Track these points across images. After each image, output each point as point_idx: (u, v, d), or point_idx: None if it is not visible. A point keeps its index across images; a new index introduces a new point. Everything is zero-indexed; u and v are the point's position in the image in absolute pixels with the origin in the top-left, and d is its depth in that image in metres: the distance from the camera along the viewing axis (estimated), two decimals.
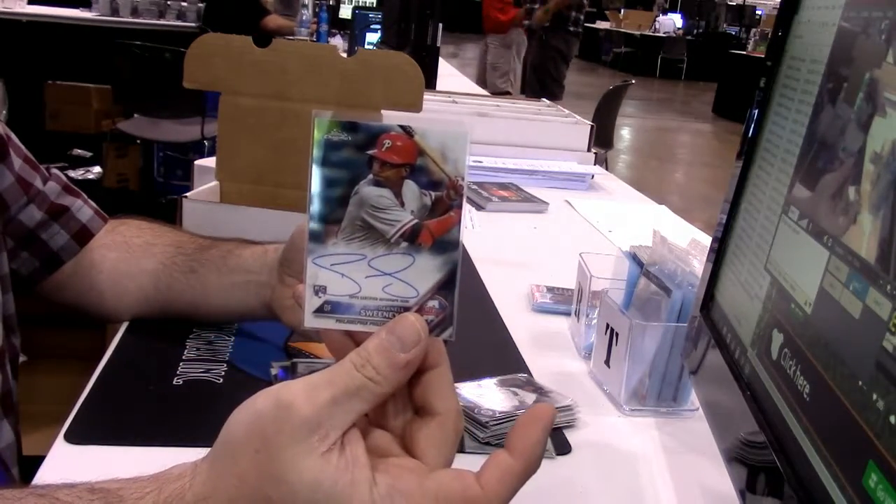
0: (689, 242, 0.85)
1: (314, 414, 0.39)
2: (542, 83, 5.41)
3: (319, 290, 0.42)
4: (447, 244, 0.42)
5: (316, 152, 0.41)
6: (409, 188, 0.42)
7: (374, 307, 0.43)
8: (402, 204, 0.42)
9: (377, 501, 0.39)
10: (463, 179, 0.42)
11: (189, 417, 0.72)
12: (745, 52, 11.80)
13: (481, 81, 5.62)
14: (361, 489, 0.39)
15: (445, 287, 0.43)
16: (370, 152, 0.41)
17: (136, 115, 4.16)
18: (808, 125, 0.53)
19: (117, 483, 0.42)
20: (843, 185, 0.45)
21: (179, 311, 0.85)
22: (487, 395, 0.77)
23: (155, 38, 4.26)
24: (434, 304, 0.43)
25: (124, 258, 0.86)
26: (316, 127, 0.41)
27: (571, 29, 5.49)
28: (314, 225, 0.42)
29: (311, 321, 0.43)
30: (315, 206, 0.42)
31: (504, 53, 5.71)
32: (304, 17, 4.97)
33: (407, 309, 0.43)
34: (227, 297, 0.82)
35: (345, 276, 0.42)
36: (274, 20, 5.01)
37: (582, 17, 5.58)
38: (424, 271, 0.42)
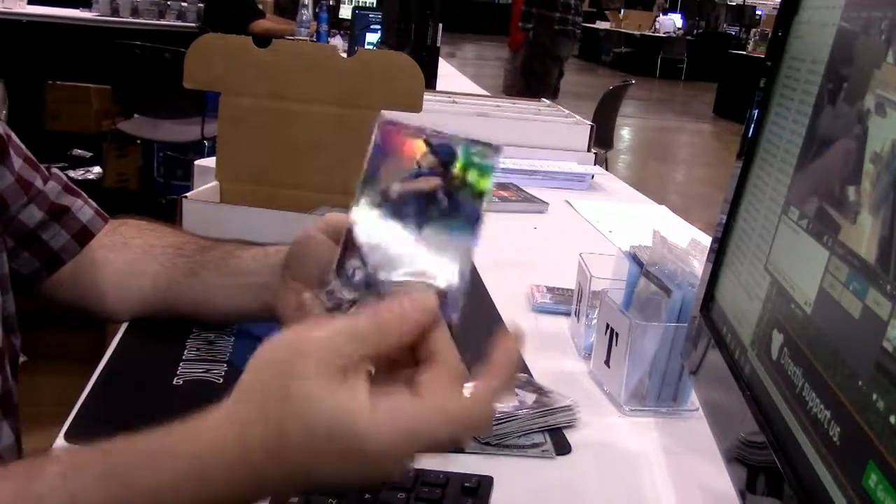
0: (689, 242, 0.85)
1: (327, 345, 0.43)
2: (528, 83, 5.35)
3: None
4: (468, 240, 0.48)
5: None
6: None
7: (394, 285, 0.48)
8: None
9: (377, 425, 0.42)
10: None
11: (189, 417, 0.72)
12: (745, 53, 11.79)
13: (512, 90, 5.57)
14: (360, 415, 0.42)
15: (458, 272, 0.48)
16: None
17: (136, 115, 4.15)
18: (808, 125, 0.53)
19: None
20: (843, 185, 0.45)
21: (180, 312, 0.85)
22: None
23: (155, 38, 4.25)
24: (446, 288, 0.48)
25: (125, 259, 0.86)
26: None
27: (557, 28, 5.41)
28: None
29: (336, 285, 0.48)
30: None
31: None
32: (304, 17, 4.96)
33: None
34: (228, 298, 0.82)
35: (376, 249, 0.48)
36: (261, 24, 4.97)
37: (570, 17, 5.48)
38: (446, 262, 0.48)
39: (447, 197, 0.48)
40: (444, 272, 0.48)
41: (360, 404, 0.42)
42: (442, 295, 0.47)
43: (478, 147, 0.48)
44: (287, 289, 0.75)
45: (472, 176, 0.48)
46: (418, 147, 0.48)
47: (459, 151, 0.48)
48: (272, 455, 0.43)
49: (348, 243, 0.48)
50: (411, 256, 0.48)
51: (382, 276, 0.48)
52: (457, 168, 0.48)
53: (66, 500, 0.43)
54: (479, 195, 0.48)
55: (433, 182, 0.48)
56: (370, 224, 0.48)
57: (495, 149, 0.48)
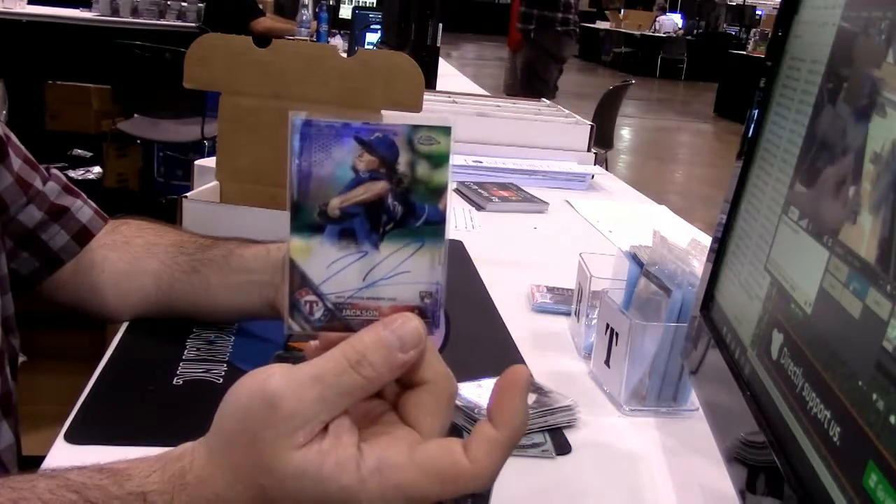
0: (689, 242, 0.85)
1: (300, 413, 0.39)
2: (529, 84, 5.34)
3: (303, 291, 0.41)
4: (434, 242, 0.41)
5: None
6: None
7: (363, 307, 0.42)
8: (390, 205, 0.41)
9: (365, 476, 0.39)
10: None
11: (189, 417, 0.72)
12: (745, 52, 11.80)
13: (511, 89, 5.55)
14: (348, 467, 0.39)
15: (433, 288, 0.42)
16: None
17: (136, 115, 4.16)
18: (808, 125, 0.53)
19: (125, 463, 0.44)
20: (843, 184, 0.45)
21: (181, 310, 0.85)
22: (487, 395, 0.77)
23: (155, 38, 4.25)
24: (423, 303, 0.42)
25: (126, 258, 0.86)
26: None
27: (560, 29, 5.41)
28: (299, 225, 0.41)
29: (293, 325, 0.42)
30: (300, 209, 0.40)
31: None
32: (304, 17, 4.96)
33: (396, 310, 0.41)
34: (229, 296, 0.82)
35: (331, 277, 0.41)
36: (261, 23, 4.98)
37: (571, 17, 5.48)
38: (414, 271, 0.41)
39: (399, 201, 0.40)
40: (416, 286, 0.41)
41: (346, 459, 0.39)
42: (419, 313, 0.41)
43: (423, 132, 0.39)
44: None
45: (423, 170, 0.40)
46: (350, 147, 0.40)
47: (401, 143, 0.40)
48: None
49: (294, 277, 0.40)
50: (373, 279, 0.41)
51: (346, 310, 0.41)
52: (402, 164, 0.40)
53: None
54: (437, 190, 0.40)
55: (378, 188, 0.40)
56: (315, 252, 0.40)
57: (445, 129, 0.39)
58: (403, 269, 0.41)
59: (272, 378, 0.40)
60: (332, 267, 0.41)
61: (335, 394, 0.40)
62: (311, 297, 0.41)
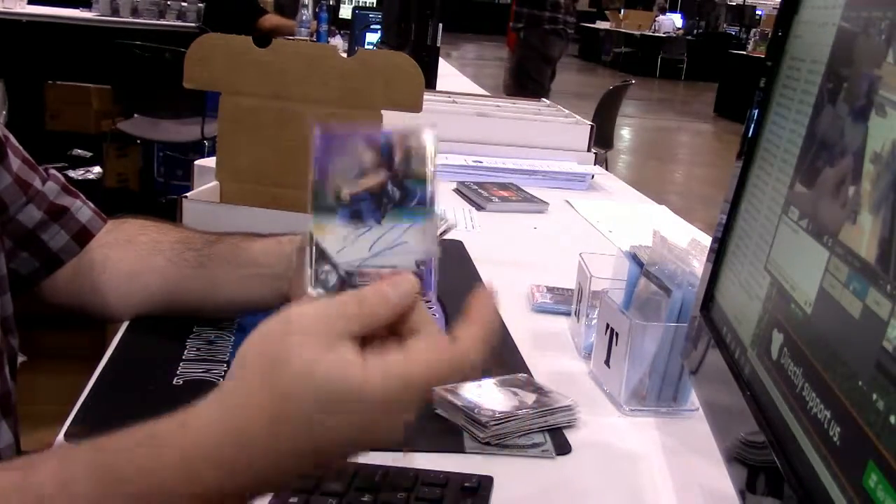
0: (689, 242, 0.85)
1: (310, 329, 0.45)
2: (520, 83, 5.30)
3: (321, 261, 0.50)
4: (426, 219, 0.50)
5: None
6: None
7: (370, 274, 0.49)
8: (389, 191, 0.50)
9: (369, 376, 0.44)
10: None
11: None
12: (745, 52, 11.79)
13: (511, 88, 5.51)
14: (352, 368, 0.44)
15: (426, 256, 0.50)
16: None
17: (136, 115, 4.15)
18: (808, 125, 0.53)
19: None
20: (842, 184, 0.45)
21: (188, 306, 0.86)
22: (487, 395, 0.77)
23: (155, 38, 4.25)
24: (419, 269, 0.50)
25: (129, 257, 0.86)
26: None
27: (548, 27, 5.36)
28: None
29: (313, 292, 0.49)
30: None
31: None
32: (304, 17, 4.96)
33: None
34: (238, 290, 0.83)
35: (343, 249, 0.50)
36: (269, 20, 5.00)
37: (560, 16, 5.40)
38: (411, 242, 0.50)
39: (397, 187, 0.50)
40: (412, 255, 0.50)
41: (351, 359, 0.44)
42: (416, 276, 0.50)
43: (413, 135, 0.51)
44: (302, 277, 0.76)
45: (414, 163, 0.50)
46: (358, 147, 0.50)
47: (397, 143, 0.50)
48: (272, 422, 0.44)
49: (315, 251, 0.50)
50: (377, 249, 0.50)
51: (355, 276, 0.50)
52: (398, 158, 0.50)
53: (59, 489, 0.44)
54: (425, 179, 0.50)
55: (380, 178, 0.50)
56: (331, 229, 0.50)
57: (430, 125, 0.50)
58: (402, 241, 0.50)
59: (284, 309, 0.46)
60: (345, 241, 0.50)
61: (341, 324, 0.45)
62: (327, 267, 0.50)
